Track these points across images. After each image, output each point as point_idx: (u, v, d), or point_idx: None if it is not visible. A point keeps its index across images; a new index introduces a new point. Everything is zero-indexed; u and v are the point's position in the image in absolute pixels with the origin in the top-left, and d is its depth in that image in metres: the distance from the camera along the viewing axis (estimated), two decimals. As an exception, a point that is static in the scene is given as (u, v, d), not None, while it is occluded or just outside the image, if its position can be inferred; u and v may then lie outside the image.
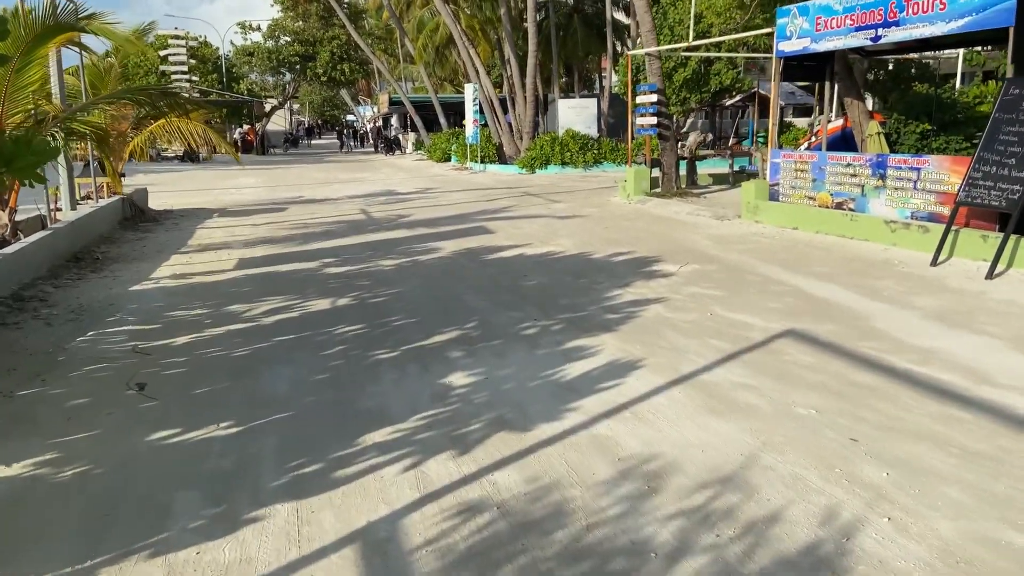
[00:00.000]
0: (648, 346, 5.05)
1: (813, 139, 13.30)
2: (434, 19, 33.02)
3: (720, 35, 16.47)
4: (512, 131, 25.54)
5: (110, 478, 3.27)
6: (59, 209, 9.97)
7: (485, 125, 25.78)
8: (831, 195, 9.68)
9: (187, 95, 29.77)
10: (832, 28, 9.41)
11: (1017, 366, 4.52)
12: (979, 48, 14.42)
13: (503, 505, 2.93)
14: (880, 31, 8.75)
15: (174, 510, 2.98)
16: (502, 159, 25.49)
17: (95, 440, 3.67)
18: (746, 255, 8.45)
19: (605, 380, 4.38)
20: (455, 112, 35.58)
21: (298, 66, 40.33)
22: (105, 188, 12.11)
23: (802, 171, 10.15)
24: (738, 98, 26.70)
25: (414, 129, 37.42)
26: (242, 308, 6.36)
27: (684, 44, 14.03)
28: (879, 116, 11.42)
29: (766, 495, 2.96)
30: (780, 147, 12.01)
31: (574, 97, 30.57)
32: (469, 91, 25.17)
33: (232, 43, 44.68)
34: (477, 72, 25.15)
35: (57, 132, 7.76)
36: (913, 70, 15.82)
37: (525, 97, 24.31)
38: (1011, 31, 7.36)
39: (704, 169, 18.00)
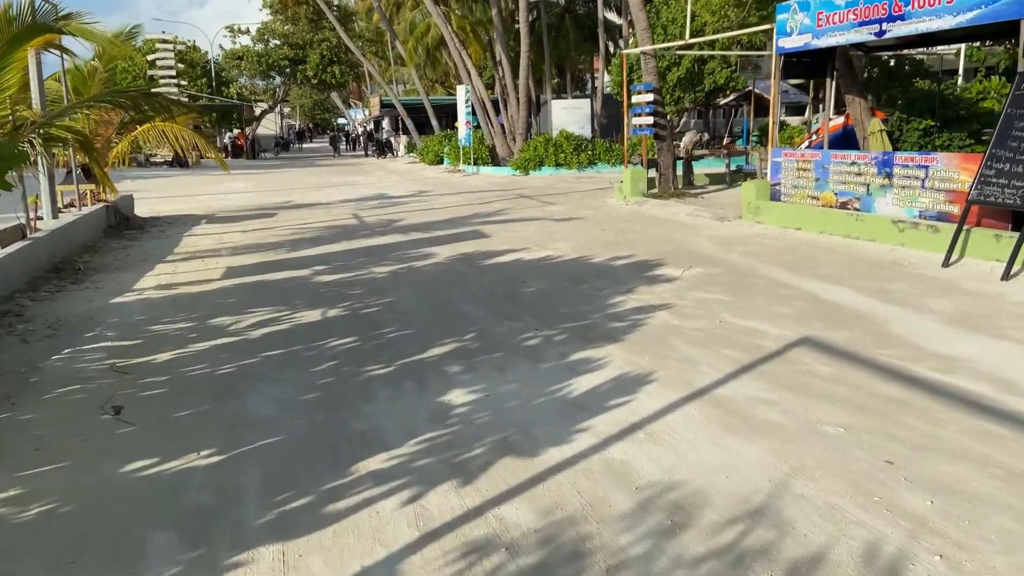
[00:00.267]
0: (657, 357, 4.79)
1: (815, 137, 13.07)
2: (425, 20, 32.72)
3: (714, 34, 16.23)
4: (505, 132, 25.27)
5: (79, 517, 2.98)
6: (40, 218, 9.63)
7: (478, 127, 25.51)
8: (835, 194, 9.45)
9: (175, 98, 29.42)
10: (834, 23, 9.17)
11: (1049, 375, 4.27)
12: (977, 44, 14.23)
13: (512, 546, 2.65)
14: (885, 26, 8.52)
15: (148, 555, 2.69)
16: (495, 161, 25.23)
17: (65, 473, 3.38)
18: (750, 257, 8.20)
19: (615, 396, 4.11)
20: (447, 114, 35.30)
21: (288, 69, 39.99)
22: (89, 196, 11.77)
23: (805, 170, 9.92)
24: (732, 97, 26.52)
25: (406, 132, 37.12)
26: (228, 320, 6.06)
27: (680, 42, 13.78)
28: (881, 113, 11.21)
29: (802, 529, 2.69)
30: (792, 145, 11.78)
31: (566, 98, 30.37)
32: (461, 92, 24.91)
33: (221, 47, 44.27)
34: (469, 73, 24.88)
35: (35, 138, 7.43)
36: (907, 67, 15.64)
37: (518, 98, 24.05)
38: (1023, 24, 7.13)
39: (700, 169, 17.78)
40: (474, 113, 25.00)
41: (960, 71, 14.40)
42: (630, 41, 26.96)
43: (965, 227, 7.44)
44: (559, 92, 35.57)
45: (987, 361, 4.53)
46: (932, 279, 6.86)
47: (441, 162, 28.50)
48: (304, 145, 60.04)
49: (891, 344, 4.92)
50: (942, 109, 10.97)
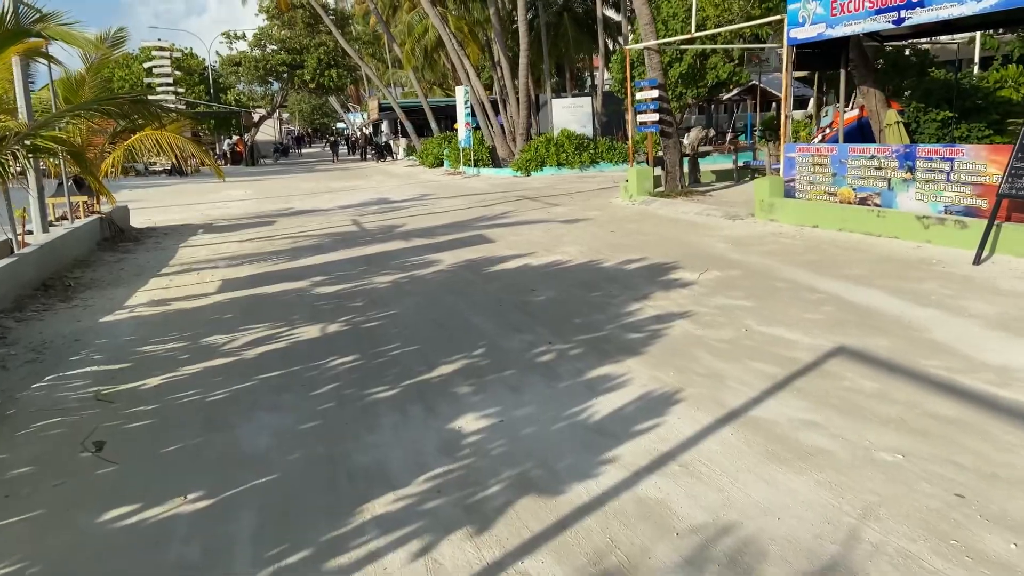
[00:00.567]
0: (682, 372, 4.43)
1: (828, 131, 12.69)
2: (422, 22, 32.42)
3: (716, 27, 15.87)
4: (505, 133, 24.92)
5: (47, 579, 2.63)
6: (29, 232, 9.30)
7: (477, 128, 25.16)
8: (854, 190, 9.08)
9: (172, 106, 29.12)
10: (850, 12, 8.80)
11: (1115, 385, 3.91)
12: (991, 32, 13.82)
13: (541, 612, 2.30)
14: (903, 13, 8.14)
15: (122, 627, 2.35)
16: (496, 162, 24.88)
17: (35, 524, 3.03)
18: (768, 258, 7.84)
19: (641, 420, 3.75)
20: (446, 116, 34.96)
21: (286, 74, 39.63)
22: (82, 207, 11.44)
23: (821, 165, 9.55)
24: (735, 92, 26.14)
25: (405, 135, 36.78)
26: (223, 339, 5.71)
27: (686, 36, 13.41)
28: (897, 104, 10.83)
29: (876, 586, 2.33)
30: (796, 140, 11.41)
31: (565, 97, 29.99)
32: (460, 94, 24.56)
33: (218, 54, 43.88)
34: (467, 74, 24.53)
35: (19, 150, 7.09)
36: (913, 58, 15.24)
37: (518, 98, 23.70)
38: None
39: (705, 166, 17.40)
40: (473, 114, 24.64)
41: (976, 59, 13.98)
42: (630, 38, 26.60)
43: (996, 222, 7.08)
44: (558, 91, 35.21)
45: (1042, 370, 4.17)
46: (965, 278, 6.50)
47: (441, 164, 28.15)
48: (303, 150, 59.73)
49: (936, 353, 4.55)
50: (959, 99, 10.58)
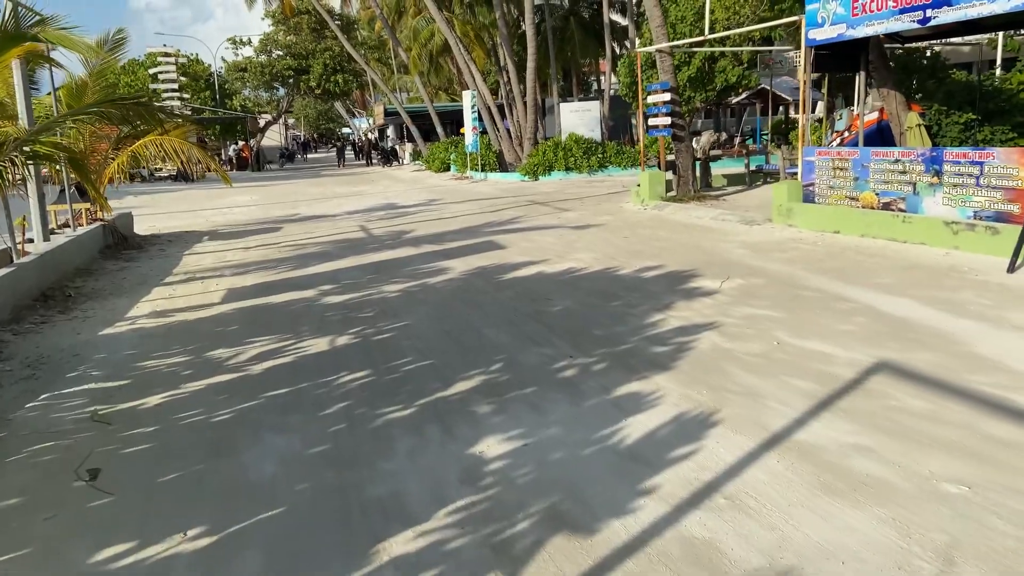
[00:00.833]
0: (716, 391, 4.16)
1: (847, 134, 12.41)
2: (428, 27, 32.25)
3: (724, 30, 15.61)
4: (511, 137, 24.70)
5: (32, 630, 2.38)
6: (30, 241, 9.09)
7: (484, 132, 24.95)
8: (877, 195, 8.79)
9: (178, 112, 29.00)
10: (871, 11, 8.53)
11: None
12: (1012, 33, 13.55)
13: None
14: (929, 12, 7.87)
15: None
16: (503, 167, 24.65)
17: (23, 564, 2.78)
18: (791, 265, 7.56)
19: (677, 444, 3.48)
20: (451, 121, 34.78)
21: (291, 79, 39.52)
22: (84, 215, 11.24)
23: (842, 169, 9.27)
24: (744, 95, 25.85)
25: (410, 139, 36.62)
26: (227, 353, 5.47)
27: (699, 38, 13.15)
28: (917, 107, 10.54)
29: (967, 649, 2.06)
30: (820, 142, 11.13)
31: (572, 101, 29.76)
32: (467, 98, 24.35)
33: (224, 59, 43.81)
34: (474, 79, 24.33)
35: (17, 156, 6.88)
36: (923, 61, 14.96)
37: (525, 102, 23.47)
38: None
39: (716, 170, 17.14)
40: (480, 119, 24.43)
41: (998, 61, 13.69)
42: (636, 43, 26.37)
43: (1031, 228, 6.79)
44: (564, 95, 34.99)
45: (1102, 388, 3.89)
46: (1001, 287, 6.21)
47: (448, 169, 27.94)
48: (309, 156, 59.66)
49: (984, 369, 4.27)
50: (982, 101, 10.30)
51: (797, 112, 31.86)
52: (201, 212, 17.28)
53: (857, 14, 8.75)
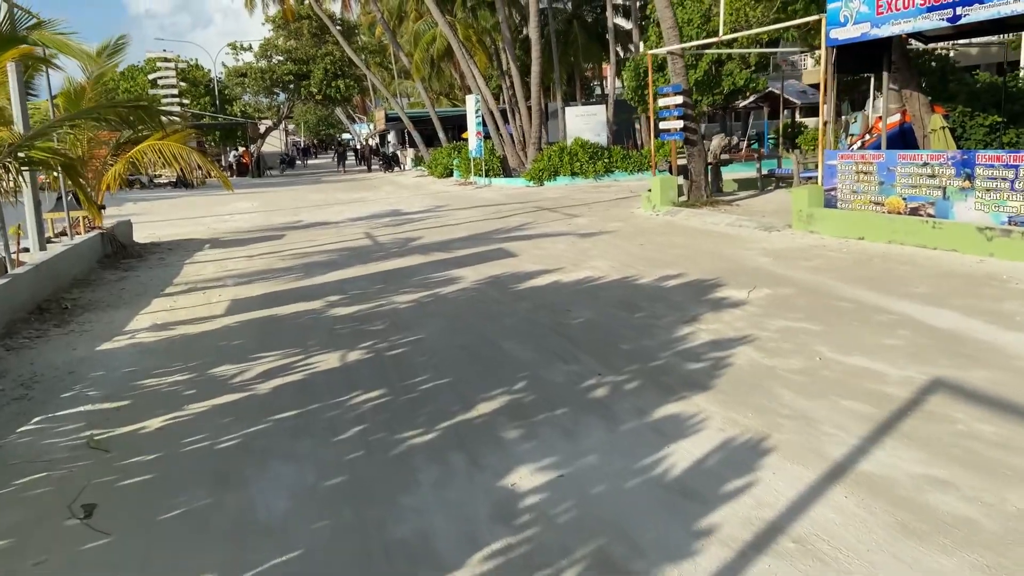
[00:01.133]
0: (762, 413, 3.84)
1: (868, 137, 12.11)
2: (430, 31, 32.02)
3: (731, 32, 15.37)
4: (514, 142, 24.43)
5: None
6: (25, 250, 8.79)
7: (488, 137, 24.66)
8: (904, 199, 8.49)
9: (177, 115, 28.74)
10: (898, 10, 8.24)
11: None
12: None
13: None
14: (960, 10, 7.59)
15: None
16: (507, 172, 24.37)
17: (5, 621, 2.47)
18: (819, 274, 7.25)
19: (729, 476, 3.16)
20: (453, 126, 34.52)
21: (292, 85, 39.29)
22: (82, 223, 10.94)
23: (866, 173, 8.96)
24: (752, 99, 25.59)
25: (412, 145, 36.36)
26: (232, 370, 5.16)
27: (713, 39, 12.88)
28: (941, 109, 10.25)
29: None
30: (844, 144, 10.81)
31: (575, 105, 29.51)
32: (471, 102, 24.09)
33: (224, 65, 43.65)
34: (477, 83, 24.06)
35: (11, 162, 6.58)
36: (933, 63, 14.71)
37: (529, 107, 23.21)
38: None
39: (726, 174, 16.85)
40: (484, 123, 24.15)
41: (1023, 61, 13.42)
42: (641, 47, 26.12)
43: (1073, 234, 6.49)
44: (567, 100, 34.75)
45: None
46: (1047, 296, 5.90)
47: (451, 175, 27.66)
48: (309, 161, 59.43)
49: (1050, 387, 3.96)
50: (1008, 103, 10.01)
51: (804, 116, 31.65)
52: (202, 219, 16.99)
53: (882, 12, 8.47)
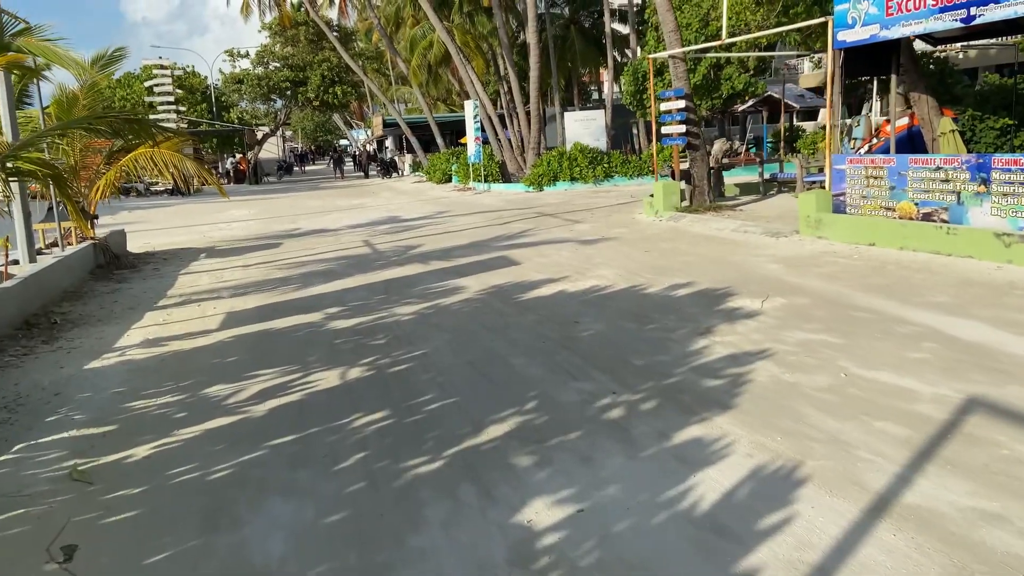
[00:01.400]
0: (792, 437, 3.60)
1: (876, 141, 11.91)
2: (427, 37, 31.87)
3: (731, 36, 15.18)
4: (513, 148, 24.22)
5: None
6: (15, 262, 8.53)
7: (487, 142, 24.46)
8: (916, 204, 8.28)
9: (173, 125, 28.52)
10: (908, 11, 8.04)
11: None
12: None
13: None
14: (974, 10, 7.38)
15: None
16: (506, 177, 24.16)
17: None
18: (833, 282, 7.03)
19: (764, 510, 2.92)
20: (451, 131, 34.32)
21: (289, 91, 39.07)
22: (73, 234, 10.68)
23: (876, 178, 8.75)
24: (751, 103, 25.41)
25: (410, 150, 36.15)
26: (227, 390, 4.91)
27: (715, 43, 12.69)
28: (950, 111, 10.05)
29: None
30: (852, 149, 10.61)
31: (573, 110, 29.33)
32: (469, 108, 23.90)
33: (221, 71, 43.40)
34: (475, 88, 23.87)
35: (-3, 173, 6.33)
36: (932, 65, 14.54)
37: (528, 112, 23.02)
38: None
39: (727, 179, 16.65)
40: (483, 129, 23.95)
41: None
42: (639, 51, 25.96)
43: (1098, 240, 6.27)
44: (565, 105, 34.60)
45: None
46: (1074, 305, 5.68)
47: (449, 180, 27.45)
48: (306, 168, 59.20)
49: (1094, 406, 3.73)
50: (1018, 106, 9.81)
51: (800, 120, 31.49)
52: (198, 227, 16.74)
53: (892, 14, 8.26)
